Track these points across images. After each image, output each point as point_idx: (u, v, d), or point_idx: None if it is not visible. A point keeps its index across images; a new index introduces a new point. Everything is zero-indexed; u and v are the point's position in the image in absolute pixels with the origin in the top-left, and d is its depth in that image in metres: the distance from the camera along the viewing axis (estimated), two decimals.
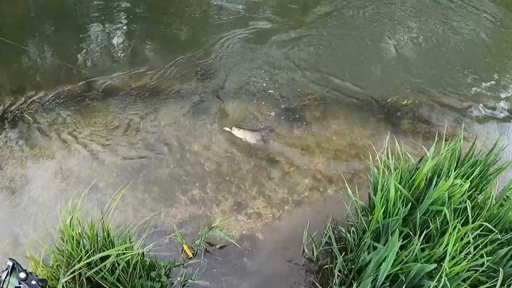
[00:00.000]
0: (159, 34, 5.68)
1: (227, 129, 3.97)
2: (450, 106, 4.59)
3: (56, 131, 4.11)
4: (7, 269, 1.66)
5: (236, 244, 3.07)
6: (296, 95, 4.58)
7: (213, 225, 3.07)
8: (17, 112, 4.42)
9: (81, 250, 2.23)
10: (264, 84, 4.70)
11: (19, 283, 1.65)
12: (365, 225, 2.64)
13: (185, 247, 2.86)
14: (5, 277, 1.63)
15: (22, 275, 1.67)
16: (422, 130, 4.26)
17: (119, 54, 5.39)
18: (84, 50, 5.42)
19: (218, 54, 5.17)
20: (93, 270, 2.21)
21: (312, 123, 4.25)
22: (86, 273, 2.24)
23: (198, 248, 2.98)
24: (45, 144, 3.99)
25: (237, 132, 3.94)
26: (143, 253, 2.59)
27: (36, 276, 1.70)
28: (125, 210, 3.31)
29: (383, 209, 2.42)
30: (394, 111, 4.46)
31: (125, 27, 5.99)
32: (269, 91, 4.61)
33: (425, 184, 2.69)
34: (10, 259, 1.64)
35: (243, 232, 3.21)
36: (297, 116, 4.32)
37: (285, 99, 4.51)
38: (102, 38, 5.72)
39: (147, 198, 3.41)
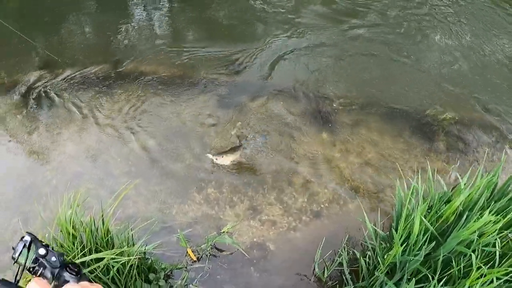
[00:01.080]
0: (201, 21, 5.58)
1: (209, 156, 3.45)
2: (491, 126, 4.12)
3: (78, 111, 4.09)
4: (24, 241, 1.50)
5: (245, 253, 2.89)
6: (327, 99, 4.31)
7: (223, 230, 2.91)
8: (42, 88, 4.43)
9: (76, 247, 2.13)
10: (295, 85, 4.47)
11: (37, 260, 1.48)
12: (380, 260, 2.37)
13: (189, 250, 2.72)
14: (21, 250, 1.48)
15: (42, 251, 1.50)
16: (457, 150, 3.85)
17: (154, 38, 5.30)
18: (121, 30, 5.38)
19: (255, 51, 4.97)
20: (87, 269, 2.10)
21: (341, 129, 3.98)
22: None
23: (203, 252, 2.83)
24: (65, 123, 3.98)
25: (220, 159, 3.44)
26: (144, 252, 2.48)
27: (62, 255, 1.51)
28: (137, 201, 3.22)
29: (403, 246, 2.15)
30: (429, 125, 4.08)
31: (165, 11, 5.91)
32: (300, 91, 4.37)
33: (454, 217, 2.38)
34: (28, 233, 1.49)
35: (254, 239, 3.03)
36: (327, 119, 4.06)
37: (315, 101, 4.26)
38: (140, 20, 5.66)
39: (161, 191, 3.30)
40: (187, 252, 2.76)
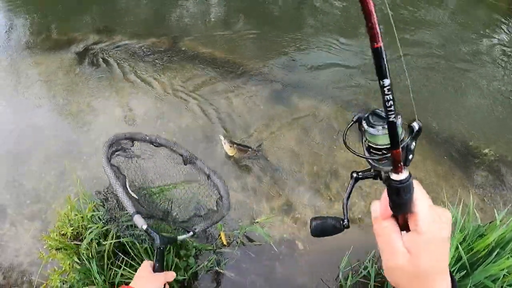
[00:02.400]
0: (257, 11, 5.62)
1: (221, 136, 3.43)
2: None
3: (131, 79, 4.18)
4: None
5: (273, 247, 2.91)
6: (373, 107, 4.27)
7: (256, 221, 2.93)
8: (98, 51, 4.55)
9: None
10: (343, 91, 4.45)
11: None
12: None
13: (222, 234, 2.75)
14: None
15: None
16: (495, 187, 3.73)
17: (212, 20, 5.35)
18: (179, 7, 5.45)
19: (310, 45, 4.96)
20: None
21: None
22: None
23: (234, 238, 2.86)
24: (116, 89, 4.07)
25: (226, 146, 3.39)
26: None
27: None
28: None
29: None
30: (471, 157, 3.97)
31: None
32: (347, 97, 4.35)
33: (485, 252, 2.36)
34: None
35: (284, 235, 3.05)
36: None
37: (362, 108, 4.22)
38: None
39: None
40: (219, 234, 2.80)
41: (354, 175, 0.99)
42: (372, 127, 0.79)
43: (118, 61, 4.43)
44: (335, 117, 4.13)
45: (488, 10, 6.16)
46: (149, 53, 4.61)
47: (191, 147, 3.51)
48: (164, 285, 1.42)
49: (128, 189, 1.82)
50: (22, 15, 5.43)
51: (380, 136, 0.79)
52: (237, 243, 2.85)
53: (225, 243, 2.78)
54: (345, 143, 0.91)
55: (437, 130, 4.17)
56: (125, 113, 3.80)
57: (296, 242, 3.02)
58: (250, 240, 2.93)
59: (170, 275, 1.48)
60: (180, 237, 1.81)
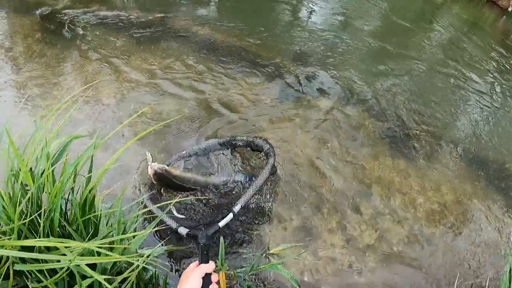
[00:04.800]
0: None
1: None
2: None
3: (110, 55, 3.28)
4: None
5: None
6: (409, 122, 3.49)
7: (271, 251, 2.00)
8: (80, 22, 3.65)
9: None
10: (372, 99, 3.66)
11: None
12: None
13: (222, 276, 1.75)
14: None
15: None
16: None
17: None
18: None
19: (321, 48, 4.18)
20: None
21: (419, 159, 3.12)
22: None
23: (238, 281, 1.90)
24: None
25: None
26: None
27: None
28: None
29: None
30: (507, 180, 3.22)
31: None
32: (375, 105, 3.55)
33: None
34: None
35: (305, 278, 2.12)
36: (404, 144, 3.21)
37: (393, 121, 3.43)
38: None
39: None
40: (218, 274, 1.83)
41: None
42: None
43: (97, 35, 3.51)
44: (363, 122, 3.31)
45: None
46: (138, 29, 3.73)
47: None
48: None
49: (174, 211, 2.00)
50: None
51: None
52: (242, 286, 1.89)
53: None
54: None
55: (471, 148, 3.43)
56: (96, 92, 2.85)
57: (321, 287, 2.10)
58: (262, 282, 1.98)
59: (210, 266, 1.29)
60: (221, 223, 1.78)
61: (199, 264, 1.31)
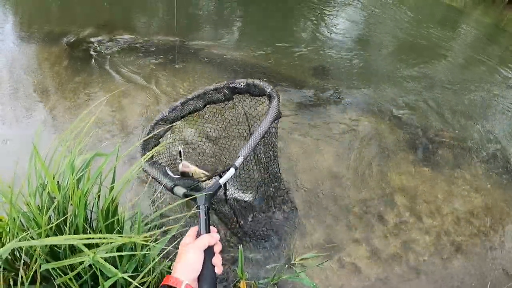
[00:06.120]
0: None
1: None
2: None
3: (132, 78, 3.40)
4: None
5: None
6: (431, 127, 3.43)
7: (294, 261, 1.99)
8: (97, 47, 3.80)
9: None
10: (393, 107, 3.64)
11: None
12: None
13: (243, 284, 1.76)
14: None
15: None
16: None
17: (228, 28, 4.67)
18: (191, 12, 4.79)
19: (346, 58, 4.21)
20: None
21: (443, 166, 3.05)
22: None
23: None
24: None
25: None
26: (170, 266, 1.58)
27: None
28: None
29: None
30: None
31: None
32: (400, 111, 3.53)
33: None
34: None
35: (329, 287, 2.09)
36: (428, 149, 3.16)
37: (417, 127, 3.38)
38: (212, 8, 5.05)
39: None
40: (237, 284, 1.83)
41: None
42: None
43: (117, 61, 3.65)
44: (383, 131, 3.28)
45: None
46: (155, 53, 3.85)
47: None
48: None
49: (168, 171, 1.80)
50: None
51: None
52: None
53: None
54: None
55: (492, 150, 3.32)
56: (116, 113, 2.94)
57: None
58: None
59: (215, 238, 1.07)
60: (222, 180, 1.55)
61: (199, 230, 1.13)
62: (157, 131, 2.06)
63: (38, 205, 1.43)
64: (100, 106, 2.97)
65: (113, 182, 1.45)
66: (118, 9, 4.98)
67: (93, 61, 3.70)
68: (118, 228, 1.43)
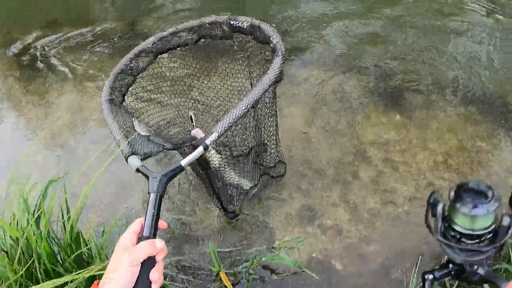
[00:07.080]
0: None
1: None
2: None
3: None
4: None
5: (308, 272, 2.00)
6: (398, 73, 3.35)
7: (274, 245, 2.03)
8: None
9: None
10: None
11: None
12: None
13: (223, 275, 1.81)
14: None
15: None
16: None
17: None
18: None
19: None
20: None
21: (415, 111, 3.02)
22: None
23: (245, 275, 1.95)
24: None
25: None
26: None
27: None
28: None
29: None
30: None
31: None
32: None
33: None
34: None
35: (313, 255, 2.15)
36: (397, 98, 3.12)
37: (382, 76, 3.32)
38: None
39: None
40: (218, 276, 1.88)
41: (429, 276, 0.85)
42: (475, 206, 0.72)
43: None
44: (346, 82, 3.24)
45: None
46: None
47: None
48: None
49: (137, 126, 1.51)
50: None
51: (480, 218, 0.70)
52: (248, 281, 1.94)
53: (229, 287, 1.86)
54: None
55: (468, 87, 3.26)
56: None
57: (332, 263, 2.12)
58: (269, 270, 2.02)
59: (157, 248, 0.86)
60: (184, 161, 1.19)
61: (144, 224, 0.91)
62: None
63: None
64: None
65: (68, 212, 1.44)
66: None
67: (44, 65, 3.57)
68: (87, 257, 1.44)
